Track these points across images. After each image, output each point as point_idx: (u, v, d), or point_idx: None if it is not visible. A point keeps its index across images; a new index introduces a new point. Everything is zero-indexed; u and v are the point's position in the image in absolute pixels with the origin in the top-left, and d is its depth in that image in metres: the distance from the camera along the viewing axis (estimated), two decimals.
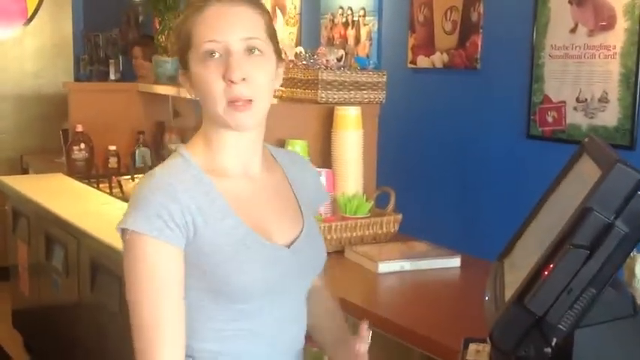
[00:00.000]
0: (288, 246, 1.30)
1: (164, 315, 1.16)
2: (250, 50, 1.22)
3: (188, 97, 1.30)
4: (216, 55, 1.21)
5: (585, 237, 0.91)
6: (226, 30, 1.21)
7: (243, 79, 1.20)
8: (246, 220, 1.24)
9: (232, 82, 1.19)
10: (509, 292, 1.01)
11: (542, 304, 0.92)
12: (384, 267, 2.19)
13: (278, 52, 1.29)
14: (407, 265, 2.21)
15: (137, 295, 1.17)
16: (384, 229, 2.51)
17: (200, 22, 1.23)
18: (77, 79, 5.91)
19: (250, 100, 1.21)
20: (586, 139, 1.18)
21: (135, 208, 1.18)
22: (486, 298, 1.10)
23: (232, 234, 1.22)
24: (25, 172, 4.86)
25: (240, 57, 1.21)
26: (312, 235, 1.36)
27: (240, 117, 1.22)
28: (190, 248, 1.19)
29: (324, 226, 2.38)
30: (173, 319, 1.17)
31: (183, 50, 1.25)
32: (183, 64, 1.27)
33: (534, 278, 0.93)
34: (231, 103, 1.21)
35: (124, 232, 1.19)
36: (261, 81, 1.23)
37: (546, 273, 0.92)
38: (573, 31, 2.83)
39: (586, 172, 1.04)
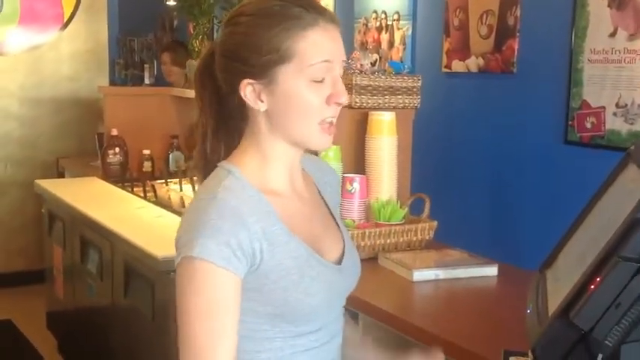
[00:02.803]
0: (338, 263, 1.29)
1: (220, 345, 1.13)
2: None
3: (245, 98, 1.23)
4: (327, 78, 1.19)
5: (635, 249, 0.87)
6: (337, 52, 1.21)
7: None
8: (303, 240, 1.22)
9: (339, 104, 1.20)
10: (552, 306, 0.97)
11: (589, 318, 0.88)
12: (418, 275, 2.16)
13: None
14: (442, 274, 2.18)
15: (194, 322, 1.13)
16: (419, 236, 2.48)
17: (310, 40, 1.18)
18: (112, 83, 5.97)
19: (334, 123, 1.23)
20: (632, 147, 1.14)
21: (202, 234, 1.12)
22: (528, 310, 1.06)
23: (296, 257, 1.20)
24: (60, 175, 4.91)
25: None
26: (351, 249, 1.36)
27: (328, 139, 1.22)
28: (254, 274, 1.16)
29: (358, 233, 2.35)
30: (229, 349, 1.14)
31: (272, 63, 1.18)
32: (261, 74, 1.19)
33: (580, 292, 0.90)
34: (323, 123, 1.20)
35: (187, 258, 1.14)
36: None
37: (593, 287, 0.88)
38: (613, 35, 2.77)
39: (633, 182, 1.01)
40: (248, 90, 1.20)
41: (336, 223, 1.36)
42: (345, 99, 1.21)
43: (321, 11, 1.21)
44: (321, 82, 1.19)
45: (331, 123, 1.21)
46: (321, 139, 1.22)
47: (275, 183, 1.24)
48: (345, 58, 1.24)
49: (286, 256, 1.18)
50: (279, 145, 1.24)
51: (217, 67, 1.24)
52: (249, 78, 1.20)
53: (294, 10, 1.19)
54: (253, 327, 1.20)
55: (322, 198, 1.37)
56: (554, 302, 0.97)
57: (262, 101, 1.20)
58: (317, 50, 1.18)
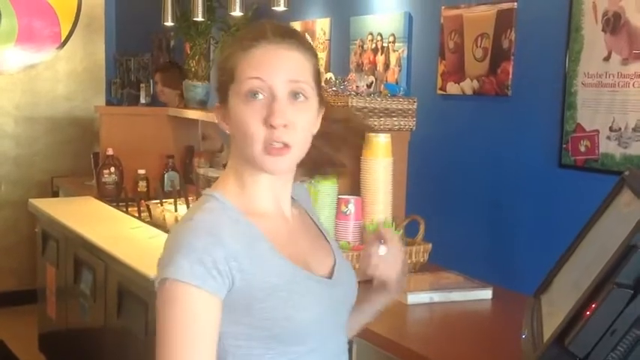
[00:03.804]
0: (330, 277, 1.29)
1: None
2: (295, 95, 1.19)
3: (217, 121, 1.27)
4: (260, 96, 1.17)
5: (630, 276, 0.87)
6: (272, 70, 1.18)
7: (285, 125, 1.17)
8: (289, 258, 1.22)
9: (273, 127, 1.16)
10: (547, 331, 0.97)
11: (584, 345, 0.88)
12: (413, 298, 2.15)
13: (321, 96, 1.26)
14: (437, 297, 2.17)
15: (171, 346, 1.12)
16: (414, 258, 2.48)
17: (246, 59, 1.20)
18: (108, 102, 5.97)
19: (288, 146, 1.18)
20: (626, 172, 1.15)
21: (176, 254, 1.13)
22: (523, 336, 1.06)
23: (282, 273, 1.19)
24: (55, 194, 4.90)
25: (285, 102, 1.18)
26: (344, 264, 1.36)
27: (275, 161, 1.18)
28: (238, 295, 1.15)
29: (353, 255, 2.35)
30: None
31: (225, 84, 1.23)
32: (222, 97, 1.24)
33: (575, 318, 0.90)
34: (268, 147, 1.17)
35: (162, 280, 1.14)
36: (302, 128, 1.19)
37: (588, 313, 0.88)
38: (607, 59, 2.79)
39: (628, 208, 1.01)
40: (216, 113, 1.27)
41: (328, 243, 1.36)
42: (277, 121, 1.15)
43: (273, 34, 1.21)
44: (258, 101, 1.17)
45: (275, 146, 1.17)
46: (267, 162, 1.19)
47: (258, 204, 1.24)
48: (295, 78, 1.19)
49: (271, 274, 1.18)
50: (249, 169, 1.23)
51: None
52: (217, 102, 1.27)
53: (247, 34, 1.24)
54: (247, 352, 1.18)
55: (311, 219, 1.38)
56: (549, 328, 0.97)
57: (227, 124, 1.24)
58: (251, 67, 1.19)
